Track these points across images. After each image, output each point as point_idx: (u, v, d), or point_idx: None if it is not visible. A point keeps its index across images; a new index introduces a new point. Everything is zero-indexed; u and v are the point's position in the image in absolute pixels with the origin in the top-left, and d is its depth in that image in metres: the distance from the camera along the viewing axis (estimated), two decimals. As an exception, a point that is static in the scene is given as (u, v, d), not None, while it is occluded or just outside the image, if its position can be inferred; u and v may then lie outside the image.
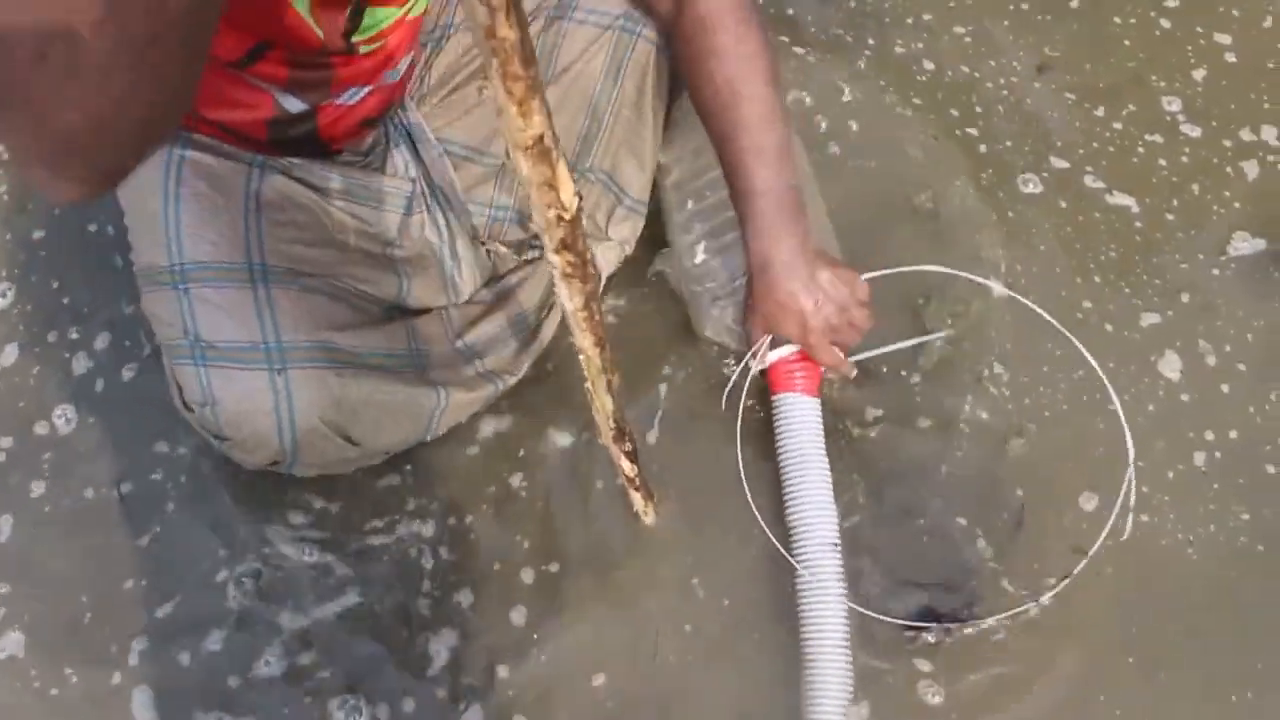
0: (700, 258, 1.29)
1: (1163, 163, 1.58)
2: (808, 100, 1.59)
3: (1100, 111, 1.63)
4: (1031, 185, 1.55)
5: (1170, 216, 1.52)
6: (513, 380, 1.26)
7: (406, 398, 1.13)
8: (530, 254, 1.30)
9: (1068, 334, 1.32)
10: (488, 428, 1.29)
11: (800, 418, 1.17)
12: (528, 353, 1.27)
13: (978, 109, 1.63)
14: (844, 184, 1.48)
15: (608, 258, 1.34)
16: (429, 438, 1.21)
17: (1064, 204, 1.53)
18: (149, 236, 1.09)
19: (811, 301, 1.13)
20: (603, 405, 1.02)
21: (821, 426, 1.19)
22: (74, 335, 1.35)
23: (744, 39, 1.09)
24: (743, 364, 1.23)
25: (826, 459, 1.17)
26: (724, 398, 1.23)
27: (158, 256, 1.07)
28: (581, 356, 0.95)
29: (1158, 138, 1.60)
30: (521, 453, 1.28)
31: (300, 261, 1.10)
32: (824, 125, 1.56)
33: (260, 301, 1.04)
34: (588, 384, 1.00)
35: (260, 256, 1.07)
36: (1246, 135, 1.62)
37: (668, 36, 1.20)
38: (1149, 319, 1.42)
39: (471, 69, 1.24)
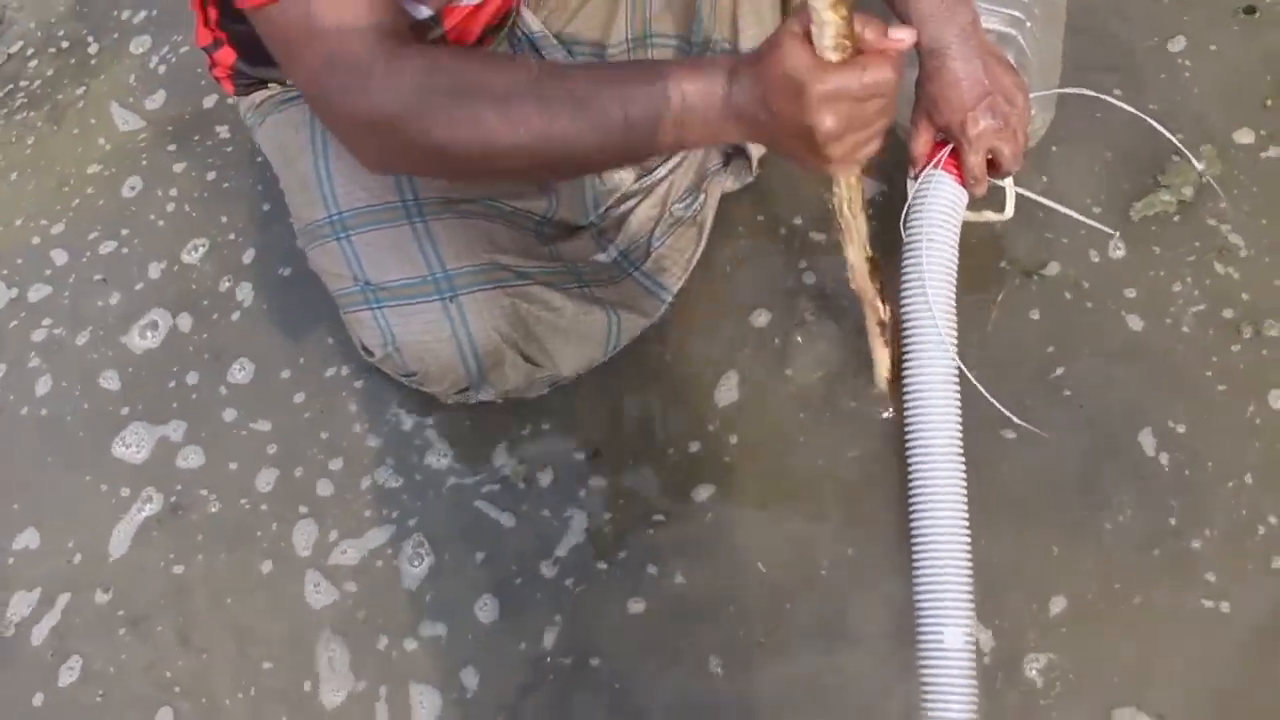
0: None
1: None
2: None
3: None
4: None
5: None
6: (677, 285, 1.22)
7: (576, 311, 1.11)
8: None
9: None
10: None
11: (943, 198, 1.06)
12: (690, 249, 1.23)
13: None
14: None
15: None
16: (608, 355, 1.18)
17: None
18: (303, 195, 1.10)
19: (980, 89, 1.03)
20: (858, 231, 0.95)
21: (960, 217, 1.08)
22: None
23: None
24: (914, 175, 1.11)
25: (954, 253, 1.06)
26: (902, 222, 1.09)
27: (315, 212, 1.08)
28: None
29: None
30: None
31: (453, 189, 1.08)
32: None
33: (420, 235, 1.04)
34: (839, 199, 0.92)
35: (412, 192, 1.06)
36: None
37: None
38: None
39: None
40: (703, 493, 1.14)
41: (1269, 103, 1.26)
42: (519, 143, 0.83)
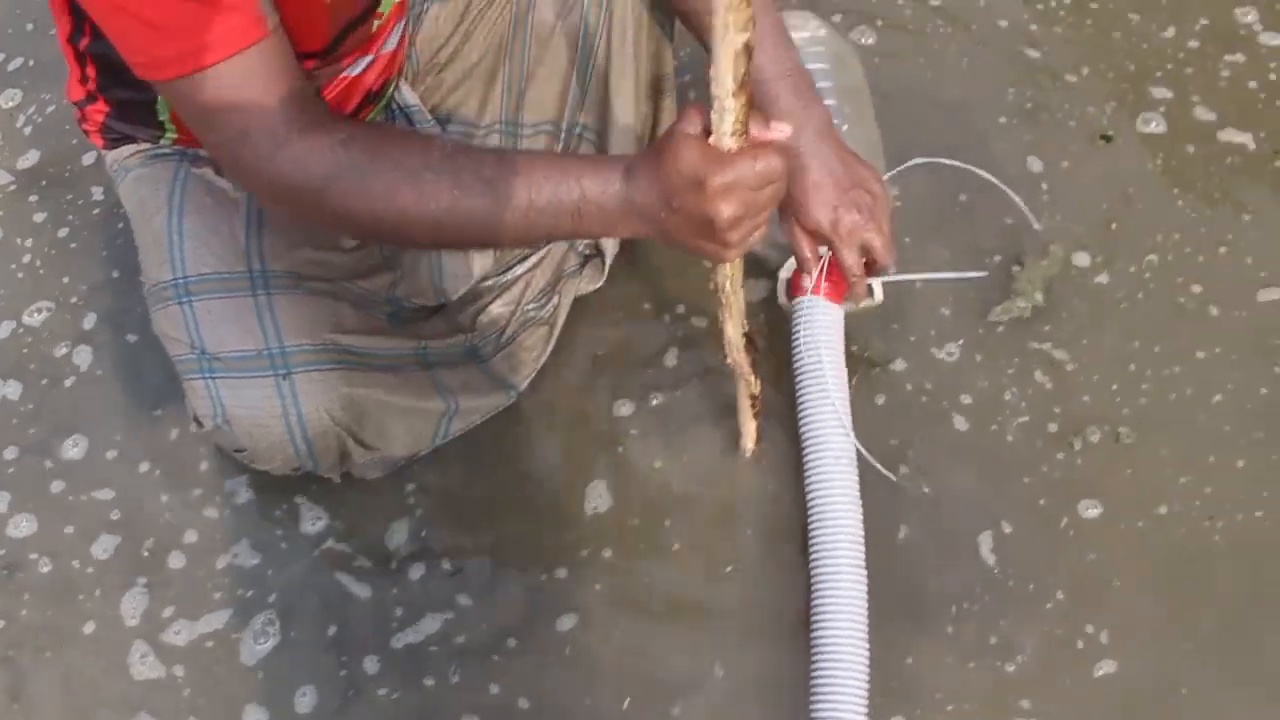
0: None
1: (1253, 84, 1.45)
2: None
3: (1170, 32, 1.51)
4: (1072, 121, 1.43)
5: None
6: (524, 383, 1.23)
7: (414, 399, 1.12)
8: None
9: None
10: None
11: (821, 322, 1.12)
12: (540, 348, 1.24)
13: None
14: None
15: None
16: (439, 442, 1.19)
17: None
18: (155, 254, 1.08)
19: (842, 186, 1.07)
20: (737, 308, 1.00)
21: (842, 336, 1.13)
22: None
23: None
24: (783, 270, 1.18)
25: (844, 368, 1.12)
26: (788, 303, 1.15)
27: (163, 272, 1.06)
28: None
29: (1239, 56, 1.48)
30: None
31: (305, 265, 1.08)
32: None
33: (262, 308, 1.03)
34: (722, 278, 0.97)
35: (261, 263, 1.05)
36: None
37: None
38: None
39: (455, 44, 1.20)
40: (566, 622, 1.13)
41: (1114, 226, 1.33)
42: (429, 215, 0.88)
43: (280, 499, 1.22)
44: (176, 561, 1.20)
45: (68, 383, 1.32)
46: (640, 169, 0.86)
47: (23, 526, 1.24)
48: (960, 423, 1.21)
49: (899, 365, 1.25)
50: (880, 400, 1.22)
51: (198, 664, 1.14)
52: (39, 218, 1.46)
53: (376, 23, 1.02)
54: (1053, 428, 1.19)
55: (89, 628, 1.17)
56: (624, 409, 1.24)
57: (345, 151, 0.87)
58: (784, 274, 1.18)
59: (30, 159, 1.52)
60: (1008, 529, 1.14)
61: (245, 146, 0.87)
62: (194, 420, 1.07)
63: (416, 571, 1.17)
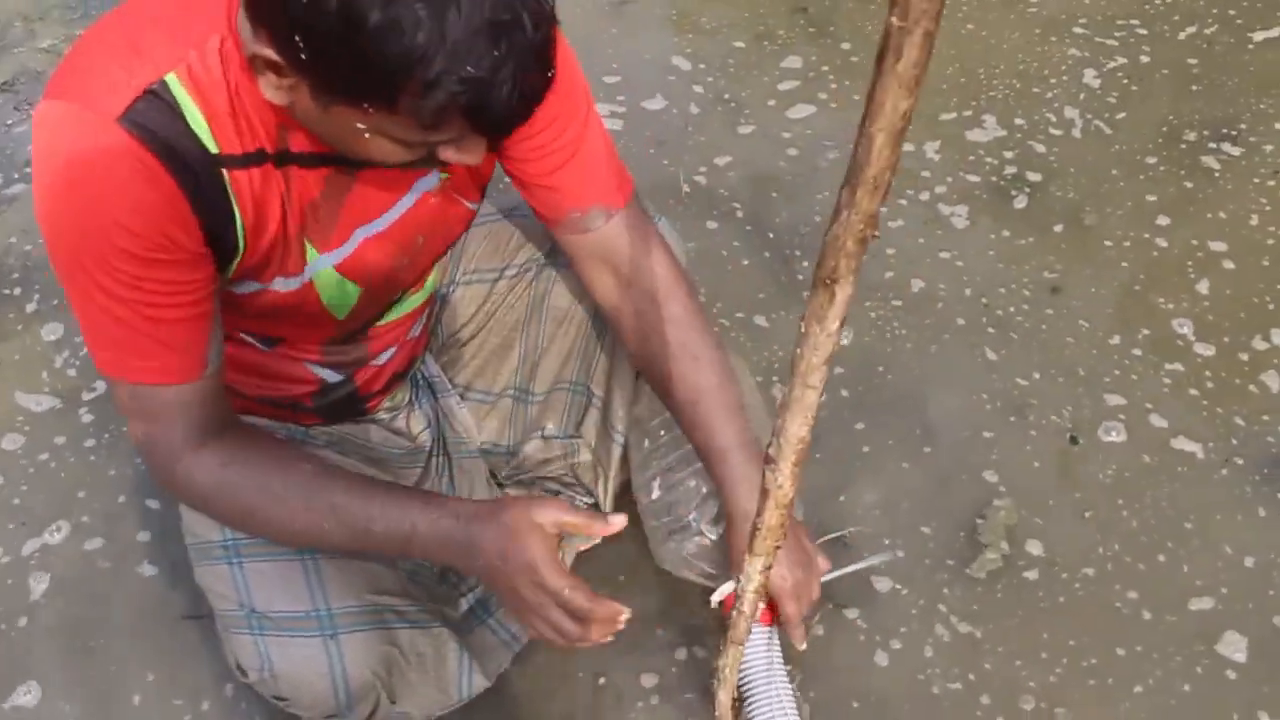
0: (655, 494, 1.32)
1: (1194, 392, 1.60)
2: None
3: (1116, 339, 1.67)
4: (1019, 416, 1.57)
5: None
6: (526, 636, 1.31)
7: (436, 658, 1.19)
8: (535, 492, 1.38)
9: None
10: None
11: (755, 646, 1.22)
12: None
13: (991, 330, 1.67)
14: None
15: None
16: (457, 701, 1.24)
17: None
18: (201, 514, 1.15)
19: (789, 561, 1.16)
20: (730, 683, 1.17)
21: (778, 651, 1.22)
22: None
23: (691, 309, 1.16)
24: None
25: (787, 684, 1.22)
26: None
27: (211, 532, 1.14)
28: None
29: (1178, 365, 1.63)
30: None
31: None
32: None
33: (309, 571, 1.11)
34: (723, 665, 1.13)
35: None
36: (1260, 344, 1.66)
37: (612, 315, 1.21)
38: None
39: (478, 322, 1.35)
40: None
41: (1077, 521, 1.46)
42: (291, 531, 1.04)
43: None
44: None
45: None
46: (480, 523, 1.00)
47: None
48: (890, 680, 1.31)
49: (852, 613, 1.37)
50: (821, 631, 1.34)
51: None
52: (83, 432, 1.57)
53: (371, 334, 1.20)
54: (985, 700, 1.29)
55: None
56: (648, 680, 1.33)
57: (223, 472, 1.02)
58: (717, 596, 1.23)
59: (98, 388, 1.63)
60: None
61: (151, 453, 1.03)
62: (237, 669, 1.12)
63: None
